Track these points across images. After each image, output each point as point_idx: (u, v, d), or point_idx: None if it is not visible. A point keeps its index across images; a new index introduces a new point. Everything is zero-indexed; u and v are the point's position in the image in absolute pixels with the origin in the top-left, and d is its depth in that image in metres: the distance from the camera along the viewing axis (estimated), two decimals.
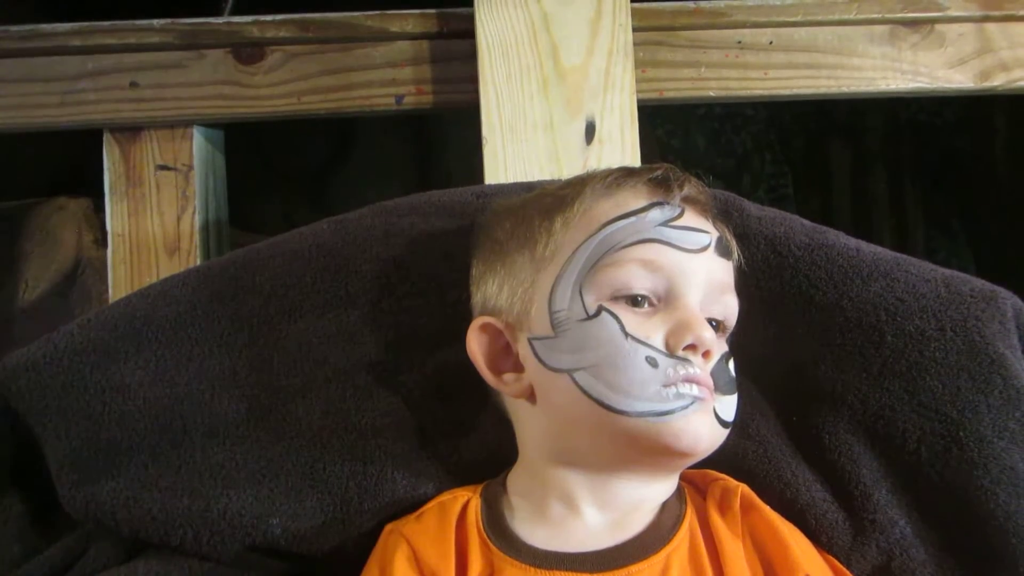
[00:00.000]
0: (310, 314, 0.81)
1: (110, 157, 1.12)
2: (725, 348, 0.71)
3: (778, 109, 1.98)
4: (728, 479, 0.73)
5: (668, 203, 0.71)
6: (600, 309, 0.68)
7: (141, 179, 1.11)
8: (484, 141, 1.04)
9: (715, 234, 0.72)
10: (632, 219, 0.70)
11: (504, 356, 0.73)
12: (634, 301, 0.68)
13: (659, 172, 0.72)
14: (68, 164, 1.36)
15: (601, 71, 1.05)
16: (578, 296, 0.69)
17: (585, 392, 0.67)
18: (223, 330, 0.80)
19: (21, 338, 1.09)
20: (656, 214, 0.70)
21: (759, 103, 1.76)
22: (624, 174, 0.73)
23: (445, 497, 0.74)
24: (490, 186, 0.98)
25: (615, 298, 0.68)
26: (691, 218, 0.71)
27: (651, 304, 0.68)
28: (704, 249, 0.70)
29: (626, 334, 0.66)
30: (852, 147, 1.98)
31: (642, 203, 0.70)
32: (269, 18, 1.11)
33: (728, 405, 0.70)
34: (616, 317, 0.67)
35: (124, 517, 0.74)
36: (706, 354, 0.67)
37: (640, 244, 0.69)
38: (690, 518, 0.69)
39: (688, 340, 0.66)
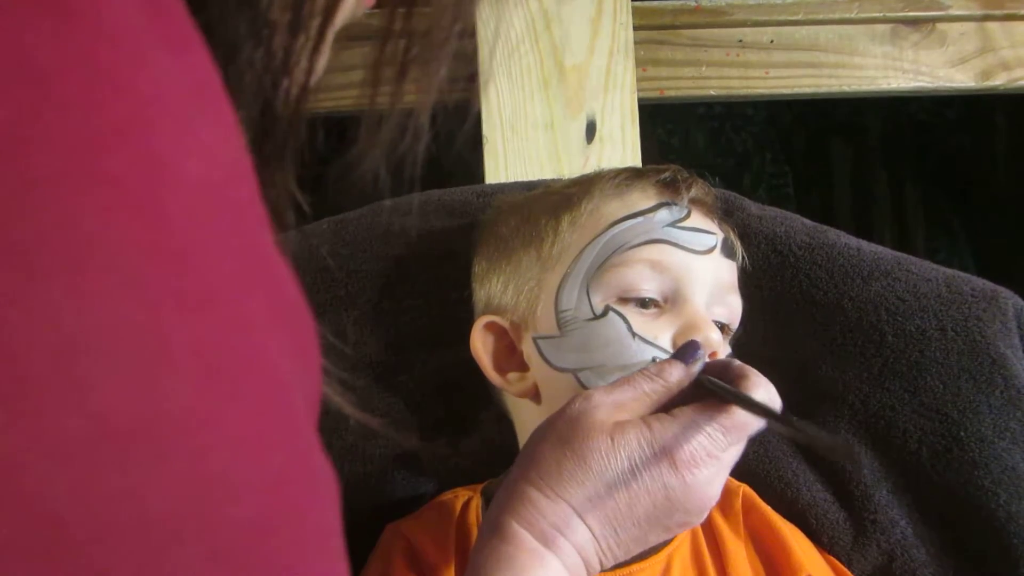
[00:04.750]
0: None
1: None
2: (728, 349, 0.71)
3: (779, 108, 1.98)
4: (729, 479, 0.72)
5: (676, 204, 0.70)
6: (607, 309, 0.67)
7: None
8: (484, 140, 1.04)
9: (721, 235, 0.72)
10: (640, 219, 0.70)
11: (508, 355, 0.72)
12: (642, 302, 0.68)
13: (667, 174, 0.72)
14: None
15: (602, 70, 1.05)
16: (585, 296, 0.68)
17: None
18: None
19: None
20: (664, 215, 0.70)
21: (759, 102, 1.76)
22: (632, 175, 0.73)
23: (446, 496, 0.74)
24: (491, 185, 0.97)
25: (622, 299, 0.68)
26: (698, 219, 0.71)
27: (658, 305, 0.68)
28: (711, 250, 0.70)
29: (633, 334, 0.66)
30: (853, 146, 1.98)
31: (650, 203, 0.70)
32: None
33: None
34: (623, 317, 0.67)
35: None
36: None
37: (648, 245, 0.69)
38: None
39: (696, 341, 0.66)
